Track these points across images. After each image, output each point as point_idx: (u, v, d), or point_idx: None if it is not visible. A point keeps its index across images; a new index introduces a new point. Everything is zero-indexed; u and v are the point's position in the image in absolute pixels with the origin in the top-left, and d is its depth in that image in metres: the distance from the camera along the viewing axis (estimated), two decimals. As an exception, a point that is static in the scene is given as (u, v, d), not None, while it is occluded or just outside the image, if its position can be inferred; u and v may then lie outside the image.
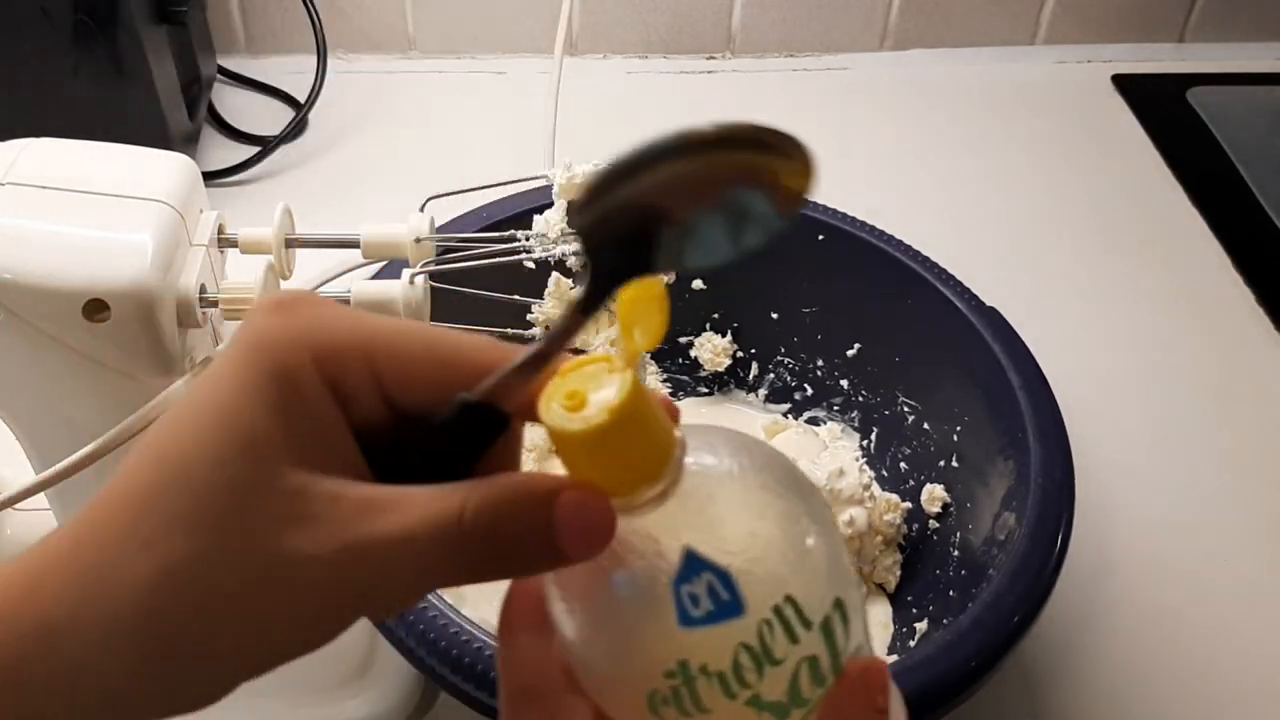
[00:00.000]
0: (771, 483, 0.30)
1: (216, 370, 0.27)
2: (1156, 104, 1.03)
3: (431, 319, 0.51)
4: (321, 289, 0.61)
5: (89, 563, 0.26)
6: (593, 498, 0.27)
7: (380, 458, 0.28)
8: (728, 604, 0.27)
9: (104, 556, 0.26)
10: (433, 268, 0.51)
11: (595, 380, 0.28)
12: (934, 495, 0.63)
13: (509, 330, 0.55)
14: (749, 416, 0.72)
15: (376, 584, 0.27)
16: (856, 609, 0.30)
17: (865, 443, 0.70)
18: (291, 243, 0.52)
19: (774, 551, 0.28)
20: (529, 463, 0.67)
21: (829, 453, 0.65)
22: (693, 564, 0.28)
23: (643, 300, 0.28)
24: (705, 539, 0.28)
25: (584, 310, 0.28)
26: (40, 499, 0.51)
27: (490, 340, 0.30)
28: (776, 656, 0.28)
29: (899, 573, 0.62)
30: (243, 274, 0.49)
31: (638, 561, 0.28)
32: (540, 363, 0.28)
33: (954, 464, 0.63)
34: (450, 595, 0.58)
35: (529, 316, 0.56)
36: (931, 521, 0.63)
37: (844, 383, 0.70)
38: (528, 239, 0.55)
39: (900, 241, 0.65)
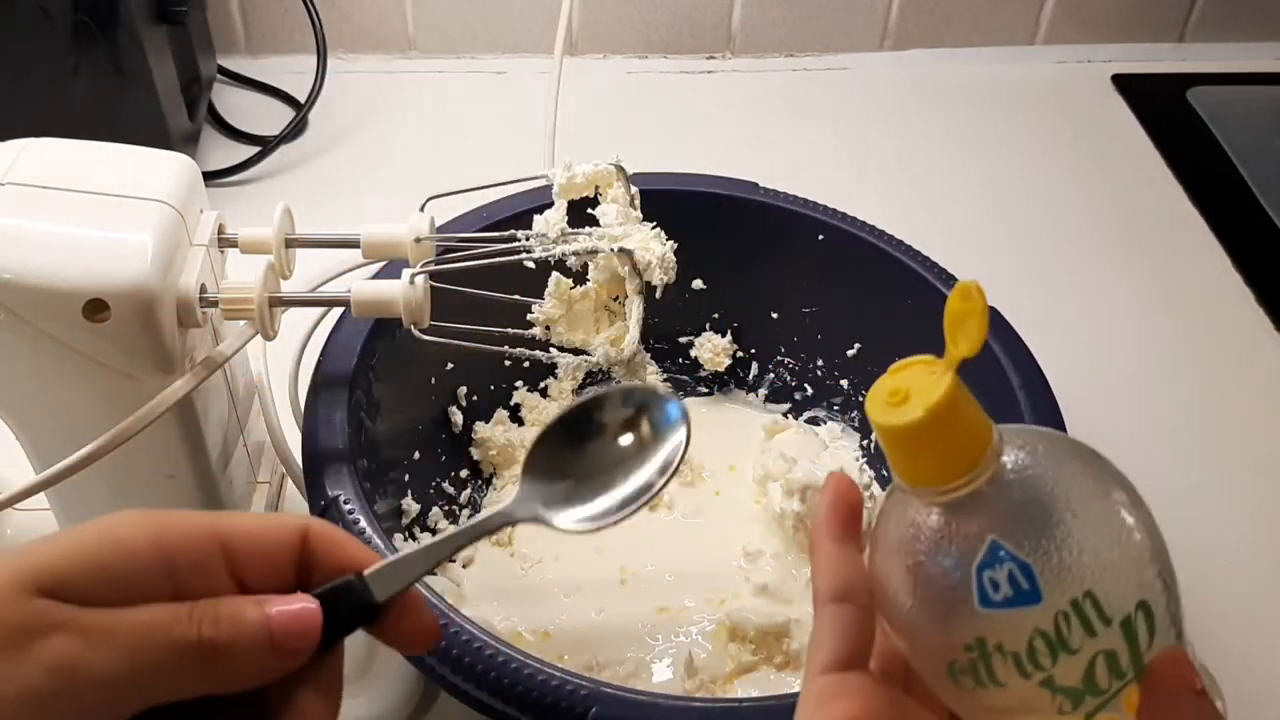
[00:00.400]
0: (1087, 485, 0.32)
1: (67, 532, 0.31)
2: (1156, 104, 1.03)
3: (431, 319, 0.51)
4: (321, 289, 0.61)
5: None
6: (283, 616, 0.31)
7: None
8: (1026, 593, 0.30)
9: None
10: (433, 268, 0.51)
11: (919, 379, 0.31)
12: (934, 495, 0.63)
13: (509, 330, 0.56)
14: (749, 416, 0.72)
15: (102, 695, 0.29)
16: (1165, 610, 0.32)
17: (865, 443, 0.70)
18: (291, 243, 0.52)
19: (1079, 550, 0.30)
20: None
21: (829, 453, 0.65)
22: (995, 552, 0.30)
23: (967, 310, 0.31)
24: (1012, 530, 0.31)
25: (494, 527, 0.36)
26: (40, 499, 0.51)
27: (314, 518, 0.34)
28: (1072, 646, 0.30)
29: (899, 573, 0.62)
30: (243, 274, 0.49)
31: (948, 545, 0.31)
32: (425, 570, 0.34)
33: (954, 464, 0.63)
34: (450, 595, 0.58)
35: (529, 316, 0.56)
36: (931, 521, 0.63)
37: (844, 383, 0.70)
38: (528, 239, 0.55)
39: (900, 241, 0.65)
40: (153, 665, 0.29)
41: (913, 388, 0.31)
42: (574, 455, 0.38)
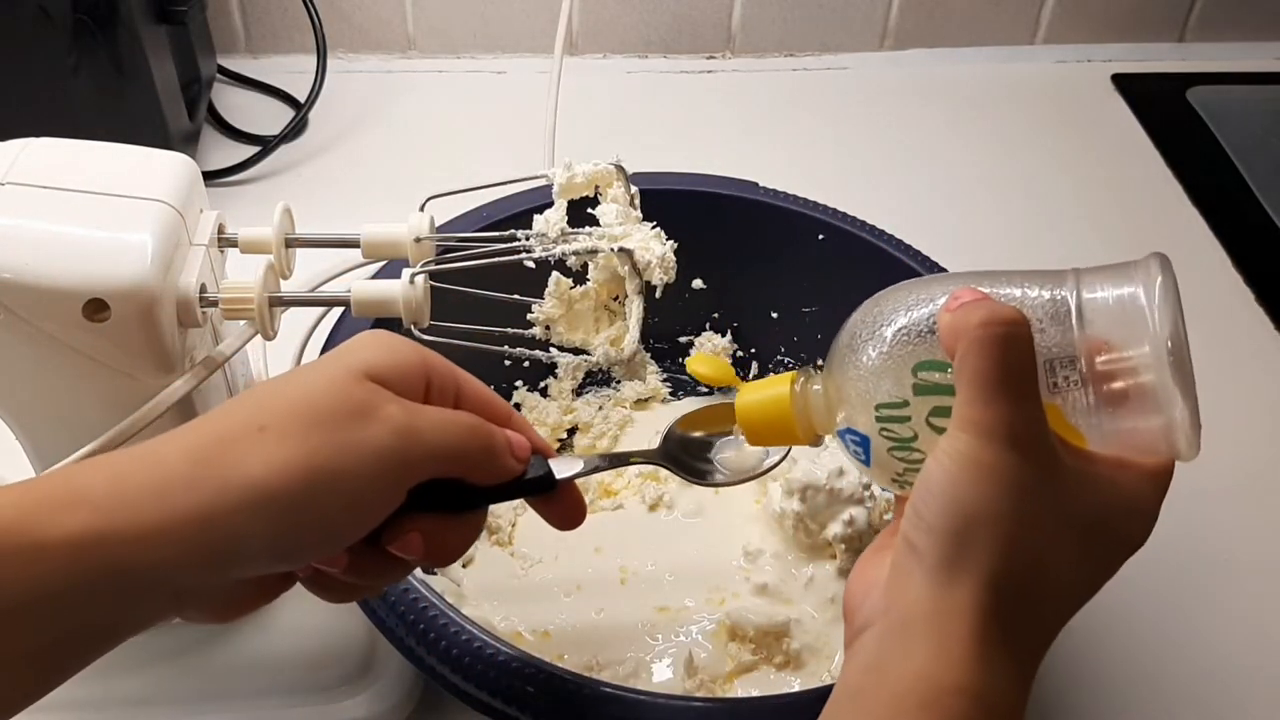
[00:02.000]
0: (839, 358, 0.41)
1: (358, 338, 0.40)
2: (1156, 104, 1.03)
3: (431, 319, 0.51)
4: (321, 289, 0.61)
5: (204, 440, 0.34)
6: (517, 437, 0.41)
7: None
8: (862, 438, 0.40)
9: (220, 433, 0.35)
10: (433, 267, 0.51)
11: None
12: (934, 495, 0.63)
13: (509, 330, 0.56)
14: (749, 416, 0.72)
15: (423, 453, 0.37)
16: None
17: (865, 442, 0.70)
18: (291, 242, 0.52)
19: (853, 392, 0.40)
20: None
21: (829, 452, 0.65)
22: (841, 437, 0.42)
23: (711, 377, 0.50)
24: (836, 422, 0.42)
25: (646, 460, 0.47)
26: (40, 499, 0.50)
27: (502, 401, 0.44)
28: (905, 436, 0.39)
29: (899, 572, 0.62)
30: (243, 274, 0.49)
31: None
32: (590, 473, 0.44)
33: (954, 464, 0.63)
34: (450, 595, 0.58)
35: (529, 316, 0.56)
36: (931, 521, 0.63)
37: (844, 383, 0.70)
38: (528, 239, 0.55)
39: (900, 241, 0.65)
40: (456, 441, 0.38)
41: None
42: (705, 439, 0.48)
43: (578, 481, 0.43)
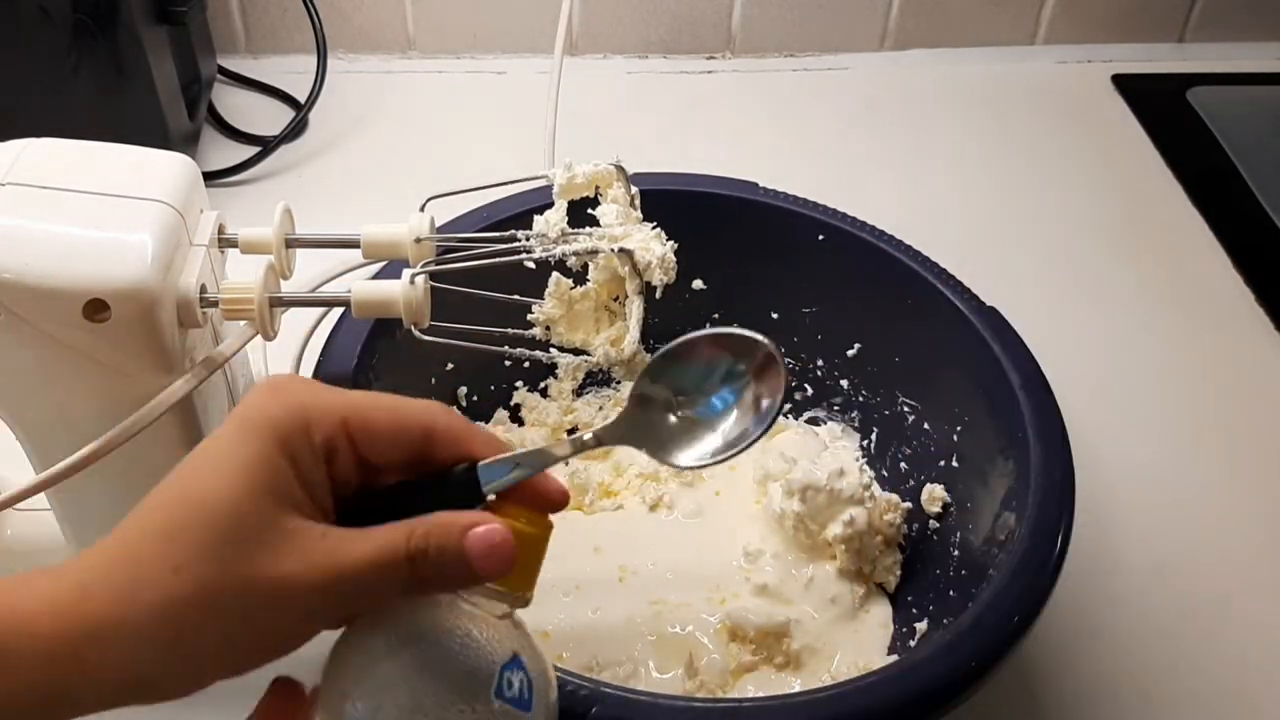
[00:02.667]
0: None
1: (227, 434, 0.35)
2: (1156, 104, 1.03)
3: (432, 319, 0.51)
4: (321, 289, 0.61)
5: (125, 580, 0.33)
6: (495, 530, 0.36)
7: (348, 506, 0.37)
8: (525, 701, 0.36)
9: (140, 574, 0.33)
10: (433, 268, 0.51)
11: None
12: (934, 495, 0.63)
13: (509, 330, 0.56)
14: (749, 416, 0.72)
15: (348, 597, 0.35)
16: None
17: (865, 443, 0.70)
18: (291, 243, 0.52)
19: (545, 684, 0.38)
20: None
21: (829, 453, 0.65)
22: (518, 663, 0.37)
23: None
24: (528, 653, 0.38)
25: (588, 445, 0.39)
26: (40, 499, 0.51)
27: (440, 406, 0.39)
28: None
29: (899, 573, 0.62)
30: (243, 274, 0.49)
31: (487, 640, 0.37)
32: (535, 470, 0.38)
33: (954, 464, 0.63)
34: (450, 595, 0.58)
35: (529, 316, 0.56)
36: (932, 521, 0.63)
37: (844, 383, 0.70)
38: (528, 239, 0.55)
39: (900, 241, 0.65)
40: (374, 584, 0.35)
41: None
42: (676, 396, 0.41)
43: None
